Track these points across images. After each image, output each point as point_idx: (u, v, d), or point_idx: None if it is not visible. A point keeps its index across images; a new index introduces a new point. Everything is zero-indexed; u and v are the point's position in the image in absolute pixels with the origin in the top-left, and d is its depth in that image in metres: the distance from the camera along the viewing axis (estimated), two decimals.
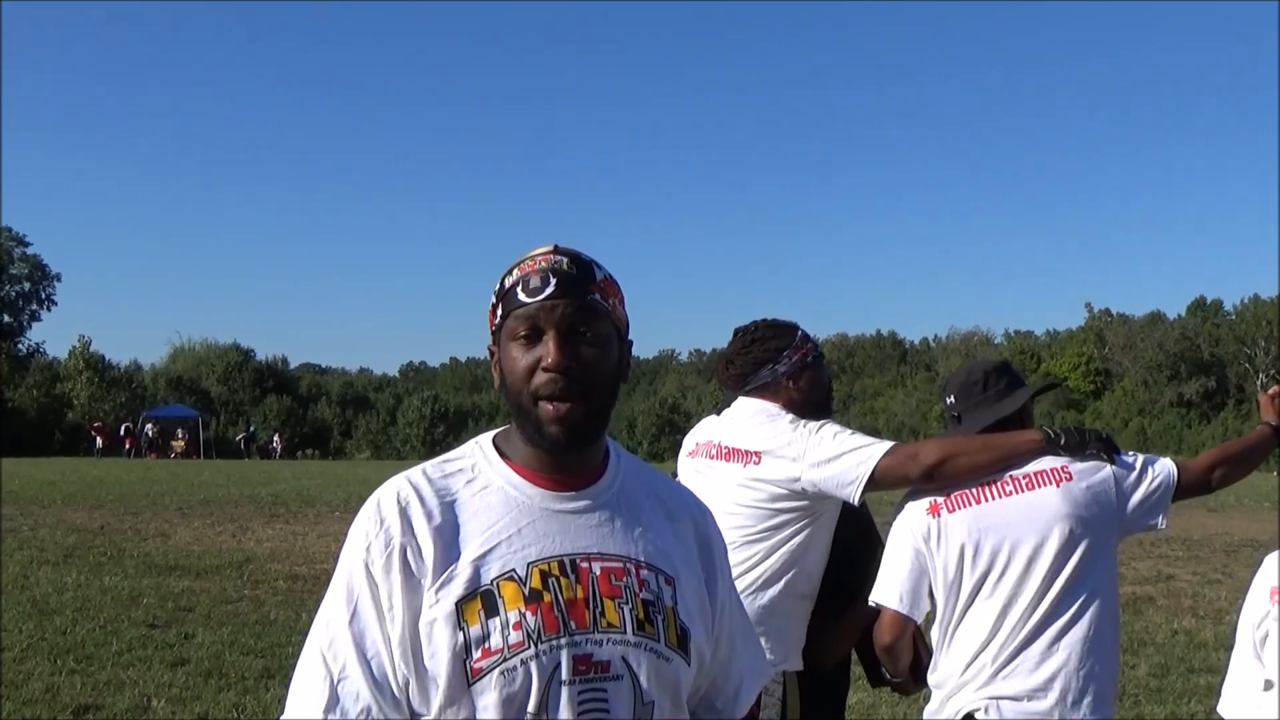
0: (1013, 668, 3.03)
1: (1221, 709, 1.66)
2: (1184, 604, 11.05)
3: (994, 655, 3.06)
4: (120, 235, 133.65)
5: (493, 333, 1.68)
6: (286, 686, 6.92)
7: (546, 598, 1.58)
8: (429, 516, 1.62)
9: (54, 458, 49.15)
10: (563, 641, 1.57)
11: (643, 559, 1.68)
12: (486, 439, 1.75)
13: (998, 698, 3.04)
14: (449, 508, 1.63)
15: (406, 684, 1.58)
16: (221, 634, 9.11)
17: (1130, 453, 3.23)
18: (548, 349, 1.59)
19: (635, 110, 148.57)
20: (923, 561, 3.17)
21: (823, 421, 3.33)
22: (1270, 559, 1.65)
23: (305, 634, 7.15)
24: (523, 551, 1.61)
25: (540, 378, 1.60)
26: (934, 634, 3.24)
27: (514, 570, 1.59)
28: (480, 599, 1.57)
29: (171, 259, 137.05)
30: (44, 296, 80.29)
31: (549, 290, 1.60)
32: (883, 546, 3.58)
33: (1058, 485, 3.10)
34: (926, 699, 3.33)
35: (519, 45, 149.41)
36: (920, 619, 3.22)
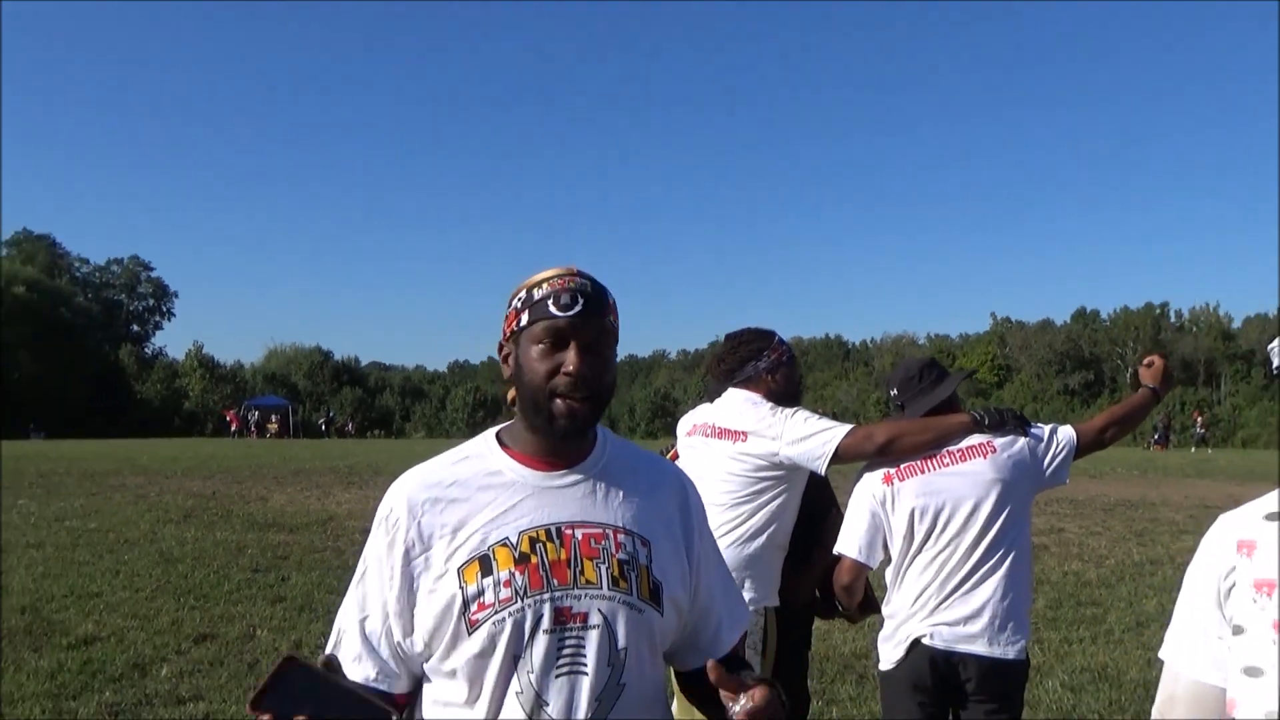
0: (950, 601, 3.03)
1: (1165, 653, 1.56)
2: (1072, 551, 11.02)
3: (936, 592, 3.06)
4: (226, 259, 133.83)
5: (512, 333, 1.63)
6: None
7: (533, 559, 1.55)
8: (434, 503, 1.60)
9: (173, 438, 49.08)
10: (545, 596, 1.54)
11: (621, 525, 1.63)
12: (491, 434, 1.71)
13: (939, 624, 3.04)
14: (455, 493, 1.61)
15: (399, 642, 1.59)
16: (311, 577, 9.11)
17: (1038, 425, 3.24)
18: (570, 357, 1.56)
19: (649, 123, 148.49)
20: (879, 521, 3.16)
21: (796, 409, 3.33)
22: (1230, 515, 1.53)
23: None
24: (515, 522, 1.58)
25: (561, 380, 1.57)
26: (888, 576, 3.23)
27: (507, 538, 1.56)
28: (478, 563, 1.55)
29: (267, 279, 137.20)
30: (165, 310, 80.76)
31: (577, 309, 1.57)
32: (836, 508, 3.58)
33: (985, 457, 3.10)
34: (876, 626, 3.32)
35: (535, 57, 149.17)
36: (875, 566, 3.21)
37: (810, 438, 3.20)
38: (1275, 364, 1.48)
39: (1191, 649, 1.50)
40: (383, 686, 1.58)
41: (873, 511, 3.17)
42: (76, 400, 56.32)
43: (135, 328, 78.50)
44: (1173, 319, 78.85)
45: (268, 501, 15.85)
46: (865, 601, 3.35)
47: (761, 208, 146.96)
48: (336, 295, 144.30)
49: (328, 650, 1.61)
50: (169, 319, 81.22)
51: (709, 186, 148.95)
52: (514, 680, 1.53)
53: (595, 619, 1.55)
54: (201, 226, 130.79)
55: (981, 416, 3.18)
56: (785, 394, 3.51)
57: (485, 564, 1.55)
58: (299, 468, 24.14)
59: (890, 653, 3.15)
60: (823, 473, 3.25)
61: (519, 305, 1.62)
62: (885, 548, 3.18)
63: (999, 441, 3.13)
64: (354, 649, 1.59)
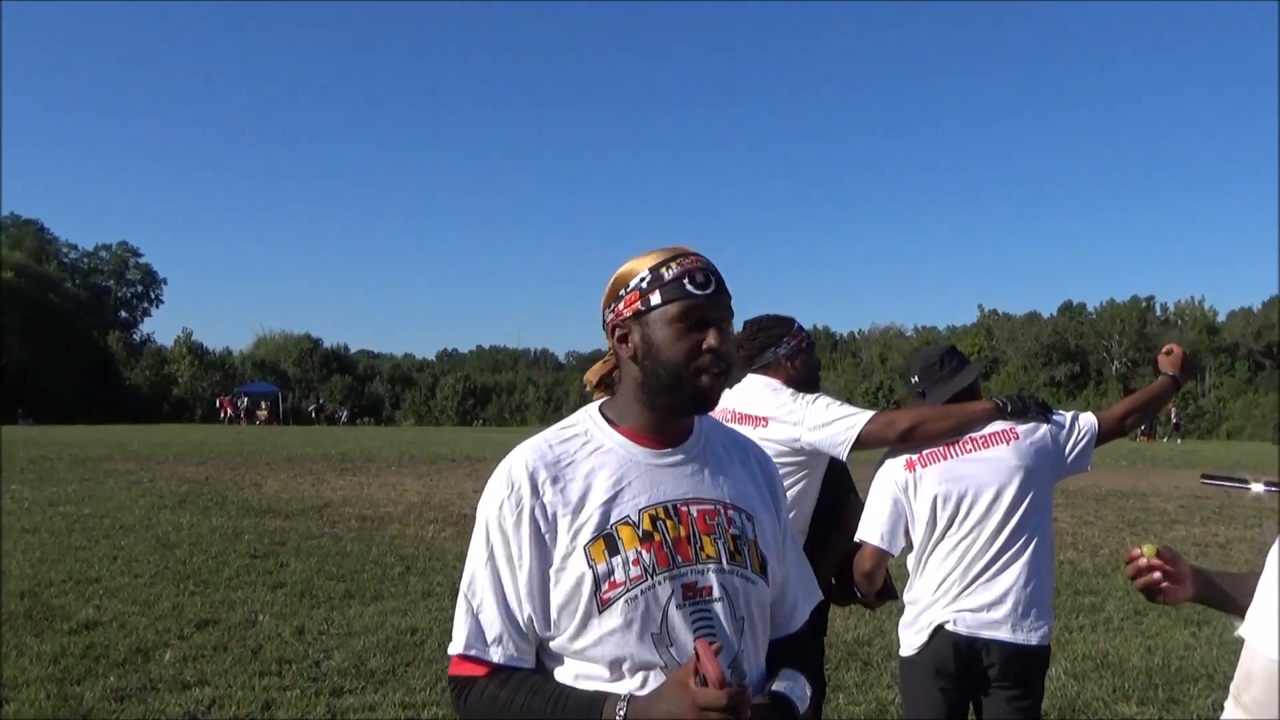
0: (974, 588, 3.01)
1: (1244, 630, 1.54)
2: (1066, 540, 11.04)
3: (959, 578, 3.04)
4: (215, 247, 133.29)
5: (637, 312, 1.61)
6: (365, 604, 6.93)
7: (656, 537, 1.57)
8: (554, 480, 1.58)
9: (162, 424, 48.88)
10: (672, 573, 1.56)
11: (728, 501, 1.67)
12: (594, 409, 1.71)
13: (962, 610, 3.03)
14: (570, 469, 1.60)
15: (531, 619, 1.57)
16: (309, 563, 9.06)
17: (1059, 411, 3.22)
18: (713, 336, 1.58)
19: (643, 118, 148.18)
20: (901, 507, 3.14)
21: (816, 394, 3.31)
22: None
23: (377, 562, 7.20)
24: (634, 500, 1.59)
25: (705, 358, 1.58)
26: (910, 563, 3.21)
27: (628, 516, 1.57)
28: (604, 541, 1.55)
29: (256, 267, 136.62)
30: (153, 296, 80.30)
31: (712, 289, 1.60)
32: (855, 494, 3.56)
33: (1008, 444, 3.08)
34: (880, 614, 3.30)
35: (530, 52, 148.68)
36: (896, 553, 3.18)
37: (832, 424, 3.18)
38: None
39: (1271, 628, 1.48)
40: (523, 666, 1.59)
41: (895, 498, 3.15)
42: (65, 386, 56.01)
43: (124, 314, 78.04)
44: (1158, 312, 79.17)
45: (262, 488, 15.79)
46: (884, 589, 3.33)
47: (752, 201, 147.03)
48: (326, 284, 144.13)
49: (461, 634, 1.60)
50: (157, 305, 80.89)
51: (698, 180, 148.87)
52: (656, 655, 1.54)
53: (718, 592, 1.59)
54: (191, 214, 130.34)
55: (1004, 403, 3.16)
56: (805, 380, 3.50)
57: (610, 542, 1.55)
58: (291, 454, 24.07)
59: (912, 639, 3.14)
60: (844, 458, 3.23)
61: (644, 286, 1.60)
62: (907, 534, 3.16)
63: (1021, 429, 3.12)
64: (495, 630, 1.57)
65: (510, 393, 75.86)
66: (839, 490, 3.51)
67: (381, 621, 6.94)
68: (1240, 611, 2.06)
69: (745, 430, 3.28)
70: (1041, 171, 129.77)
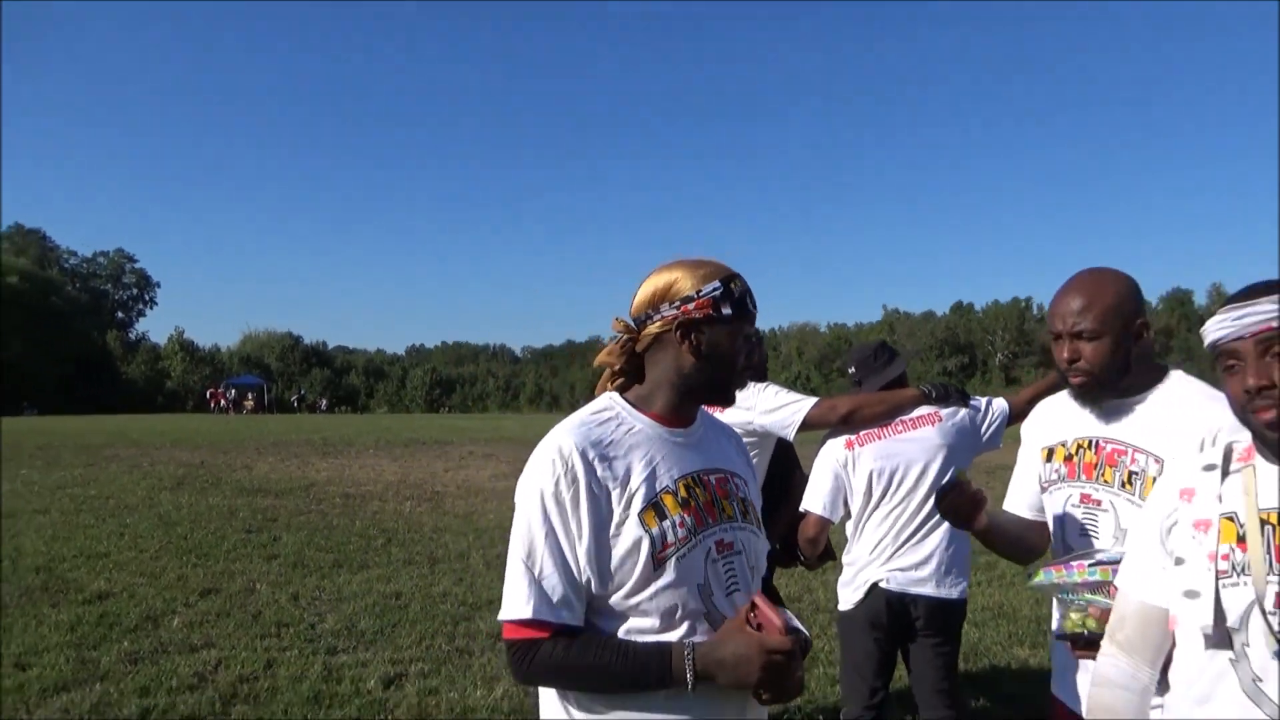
0: (903, 550, 3.06)
1: (1119, 581, 1.64)
2: None
3: (891, 542, 3.08)
4: (205, 252, 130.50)
5: (709, 317, 1.64)
6: (353, 573, 6.77)
7: (693, 503, 1.60)
8: (602, 457, 1.57)
9: (158, 414, 47.66)
10: (708, 532, 1.60)
11: (731, 468, 1.73)
12: (616, 396, 1.70)
13: (894, 570, 3.07)
14: (612, 447, 1.60)
15: (590, 582, 1.55)
16: (300, 536, 8.90)
17: (976, 397, 3.28)
18: (756, 349, 1.75)
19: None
20: (841, 481, 3.17)
21: (766, 383, 3.32)
22: (1175, 467, 1.63)
23: (363, 536, 7.06)
24: (669, 472, 1.61)
25: (746, 366, 1.69)
26: (848, 529, 3.24)
27: (668, 485, 1.59)
28: (653, 509, 1.56)
29: (242, 270, 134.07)
30: (148, 298, 78.36)
31: (757, 312, 1.72)
32: (799, 470, 3.59)
33: (933, 425, 3.12)
34: (834, 571, 3.34)
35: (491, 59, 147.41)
36: (836, 521, 3.22)
37: (781, 409, 3.19)
38: (1207, 342, 1.50)
39: (1140, 577, 1.58)
40: (580, 627, 1.55)
41: (836, 473, 3.18)
42: (66, 381, 54.39)
43: (120, 315, 75.95)
44: (1035, 311, 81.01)
45: (252, 470, 15.46)
46: (824, 552, 3.37)
47: (682, 202, 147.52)
48: (306, 285, 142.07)
49: (523, 600, 1.53)
50: (152, 307, 78.88)
51: (636, 183, 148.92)
52: (697, 603, 1.57)
53: (739, 546, 1.64)
54: (182, 222, 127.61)
55: (929, 390, 3.21)
56: (754, 370, 3.51)
57: (658, 509, 1.57)
58: (277, 440, 23.60)
59: (850, 595, 3.17)
60: (792, 439, 3.25)
61: (718, 295, 1.64)
62: (846, 504, 3.19)
63: (944, 412, 3.17)
64: (559, 594, 1.52)
65: (472, 383, 75.21)
66: (785, 466, 3.53)
67: (368, 588, 6.84)
68: (1022, 551, 2.17)
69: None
70: (938, 179, 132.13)
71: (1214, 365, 1.54)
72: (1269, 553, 1.41)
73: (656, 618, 1.56)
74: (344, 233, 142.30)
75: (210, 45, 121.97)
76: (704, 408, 1.85)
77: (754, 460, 3.25)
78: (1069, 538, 2.07)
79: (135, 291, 77.71)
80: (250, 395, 58.48)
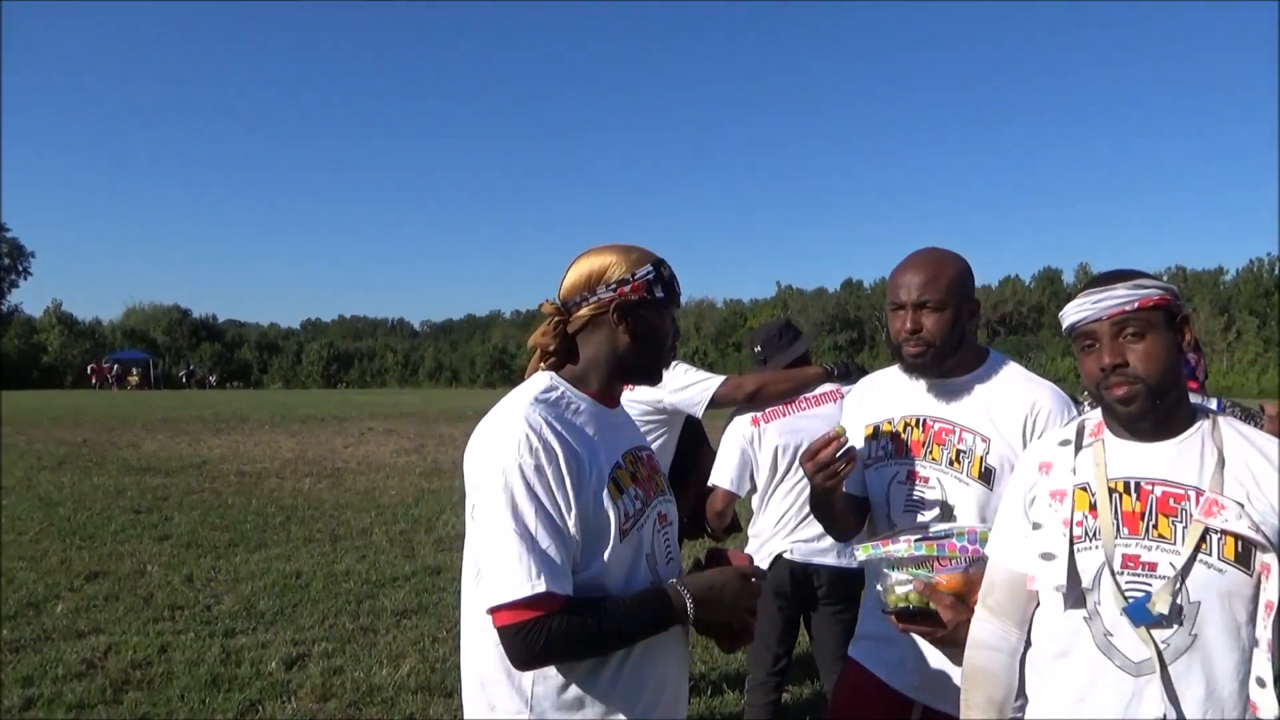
0: (806, 522, 3.12)
1: (989, 550, 1.73)
2: None
3: (795, 515, 3.14)
4: (84, 222, 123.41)
5: (644, 300, 1.66)
6: (250, 552, 6.53)
7: (638, 477, 1.65)
8: (566, 435, 1.56)
9: (34, 390, 45.01)
10: (654, 505, 1.66)
11: (648, 447, 1.80)
12: (557, 377, 1.69)
13: (797, 541, 3.13)
14: (569, 426, 1.59)
15: (577, 555, 1.54)
16: (193, 516, 8.56)
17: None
18: (677, 331, 1.77)
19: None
20: (747, 456, 3.21)
21: (675, 362, 3.33)
22: (1036, 443, 1.74)
23: (259, 514, 6.84)
24: (617, 449, 1.65)
25: (671, 345, 1.75)
26: (754, 502, 3.29)
27: (618, 461, 1.63)
28: (613, 482, 1.59)
29: (126, 242, 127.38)
30: (21, 269, 73.46)
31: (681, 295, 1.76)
32: (707, 445, 3.62)
33: (835, 401, 3.19)
34: (742, 543, 3.39)
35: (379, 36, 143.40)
36: (743, 495, 3.26)
37: (690, 387, 3.21)
38: (1066, 325, 1.60)
39: (1006, 546, 1.69)
40: (571, 594, 1.50)
41: (742, 448, 3.22)
42: None
43: None
44: None
45: (140, 448, 14.77)
46: (731, 524, 3.42)
47: (582, 180, 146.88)
48: (194, 257, 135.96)
49: (529, 575, 1.45)
50: (26, 278, 74.09)
51: (533, 160, 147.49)
52: (650, 573, 1.63)
53: (671, 518, 1.72)
54: (59, 191, 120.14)
55: (832, 368, 3.28)
56: None
57: (617, 484, 1.60)
58: (166, 416, 22.60)
59: None
60: (700, 415, 3.28)
61: (650, 279, 1.67)
62: (752, 479, 3.24)
63: (846, 389, 3.23)
64: (553, 568, 1.47)
65: (370, 358, 73.28)
66: (693, 442, 3.55)
67: (267, 567, 6.63)
68: (845, 528, 2.19)
69: None
70: (828, 162, 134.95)
71: (1071, 347, 1.63)
72: (1116, 519, 1.52)
73: (616, 587, 1.58)
74: (235, 202, 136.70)
75: (84, 6, 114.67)
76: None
77: (664, 436, 3.32)
78: (894, 514, 2.07)
79: (7, 262, 72.95)
80: (135, 370, 55.73)
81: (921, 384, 2.09)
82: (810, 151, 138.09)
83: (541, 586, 1.44)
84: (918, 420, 2.07)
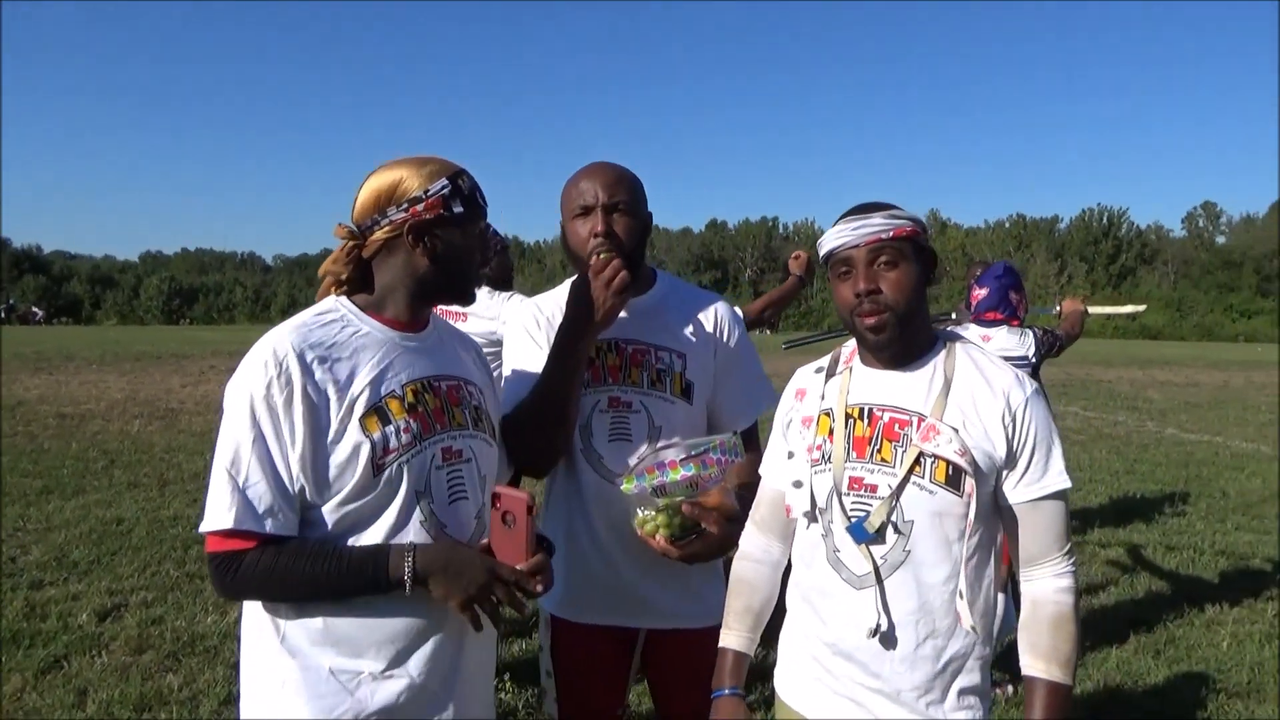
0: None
1: (761, 470, 1.80)
2: None
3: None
4: None
5: (440, 218, 1.57)
6: (65, 499, 6.10)
7: (420, 408, 1.55)
8: (321, 359, 1.49)
9: None
10: (434, 439, 1.56)
11: (464, 376, 1.68)
12: (343, 299, 1.60)
13: None
14: (335, 349, 1.51)
15: (304, 489, 1.46)
16: (3, 461, 7.89)
17: None
18: (493, 244, 1.76)
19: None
20: None
21: (511, 293, 3.25)
22: (800, 370, 1.78)
23: (78, 458, 6.35)
24: (397, 377, 1.55)
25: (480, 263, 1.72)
26: None
27: (394, 390, 1.54)
28: (375, 413, 1.50)
29: None
30: None
31: (487, 206, 1.68)
32: None
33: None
34: None
35: None
36: None
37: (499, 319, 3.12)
38: (824, 251, 1.60)
39: (772, 465, 1.77)
40: (293, 536, 1.46)
41: None
42: None
43: None
44: (781, 230, 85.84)
45: None
46: None
47: (451, 104, 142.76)
48: (14, 179, 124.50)
49: (225, 510, 1.41)
50: None
51: (397, 81, 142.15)
52: (416, 511, 1.52)
53: (468, 454, 1.61)
54: None
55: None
56: (500, 280, 3.43)
57: (382, 414, 1.51)
58: None
59: None
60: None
61: (446, 193, 1.58)
62: None
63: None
64: (266, 502, 1.43)
65: (218, 293, 69.69)
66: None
67: (84, 514, 6.18)
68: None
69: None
70: (696, 101, 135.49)
71: (827, 275, 1.66)
72: (848, 443, 1.59)
73: (375, 526, 1.51)
74: (62, 122, 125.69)
75: None
76: (443, 318, 1.77)
77: (498, 372, 3.20)
78: (597, 443, 1.93)
79: None
80: None
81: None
82: (682, 87, 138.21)
83: (230, 522, 1.41)
84: (610, 344, 1.95)
